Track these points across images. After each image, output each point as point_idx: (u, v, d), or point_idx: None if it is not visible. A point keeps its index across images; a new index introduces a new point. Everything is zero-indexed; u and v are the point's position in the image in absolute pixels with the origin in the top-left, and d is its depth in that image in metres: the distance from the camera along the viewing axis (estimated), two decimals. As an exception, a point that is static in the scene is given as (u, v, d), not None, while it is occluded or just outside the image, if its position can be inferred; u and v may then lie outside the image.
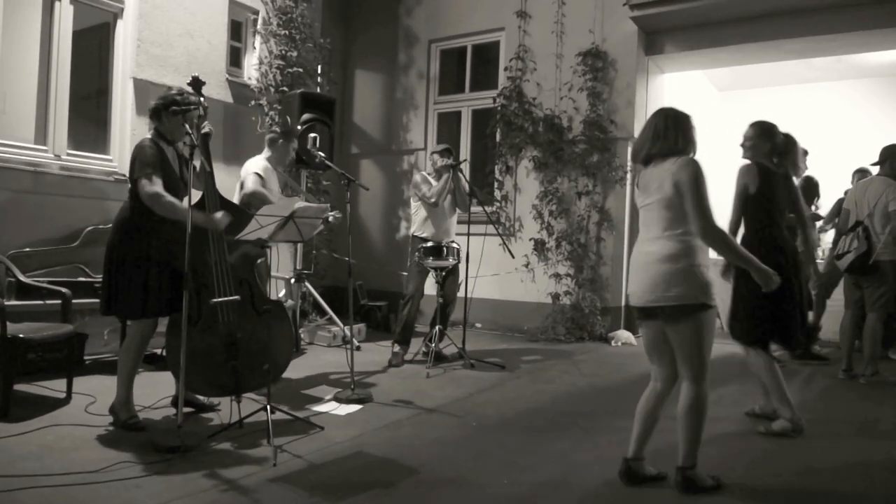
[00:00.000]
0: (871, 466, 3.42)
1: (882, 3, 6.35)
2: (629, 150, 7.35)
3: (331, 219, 5.06)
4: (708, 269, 2.91)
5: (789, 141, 4.27)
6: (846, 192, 6.00)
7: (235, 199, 4.82)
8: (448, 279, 5.81)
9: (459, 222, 6.10)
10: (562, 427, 4.02)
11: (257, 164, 5.11)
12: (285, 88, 7.28)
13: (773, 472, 3.30)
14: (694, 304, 2.86)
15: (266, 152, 5.28)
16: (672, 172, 2.90)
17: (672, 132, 2.98)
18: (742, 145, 4.09)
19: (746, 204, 4.05)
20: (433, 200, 5.76)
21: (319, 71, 8.15)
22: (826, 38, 6.83)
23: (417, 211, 5.95)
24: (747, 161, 4.08)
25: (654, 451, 3.14)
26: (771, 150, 4.03)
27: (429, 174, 6.03)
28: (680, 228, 2.90)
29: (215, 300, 3.68)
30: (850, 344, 5.52)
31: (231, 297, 3.74)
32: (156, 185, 3.57)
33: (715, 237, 2.88)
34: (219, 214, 3.67)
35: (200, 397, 4.09)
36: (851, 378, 5.38)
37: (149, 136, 3.76)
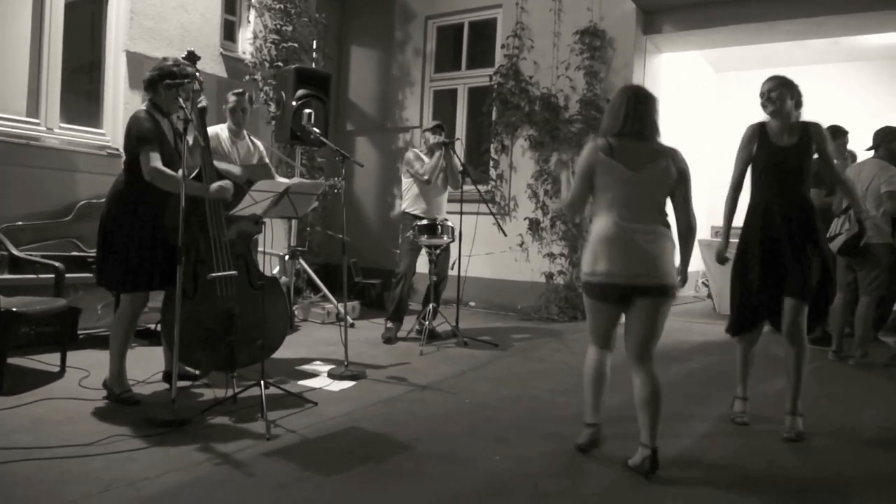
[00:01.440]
0: (860, 444, 3.46)
1: (879, -15, 6.34)
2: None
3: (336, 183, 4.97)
4: None
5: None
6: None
7: None
8: (440, 256, 5.82)
9: (453, 200, 6.10)
10: (553, 405, 4.05)
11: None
12: (280, 63, 7.22)
13: (754, 450, 3.34)
14: (675, 283, 3.01)
15: (227, 121, 5.18)
16: (675, 160, 3.01)
17: (652, 113, 3.07)
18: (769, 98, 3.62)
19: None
20: (426, 178, 5.75)
21: (315, 46, 8.07)
22: (822, 19, 6.80)
23: (409, 188, 5.94)
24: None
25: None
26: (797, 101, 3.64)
27: (421, 151, 6.02)
28: (665, 211, 3.04)
29: (213, 275, 3.68)
30: (842, 326, 5.55)
31: (229, 272, 3.74)
32: (155, 161, 3.55)
33: (696, 228, 3.11)
34: (218, 184, 3.67)
35: (190, 369, 4.09)
36: (841, 360, 5.42)
37: (143, 107, 3.73)
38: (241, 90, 5.22)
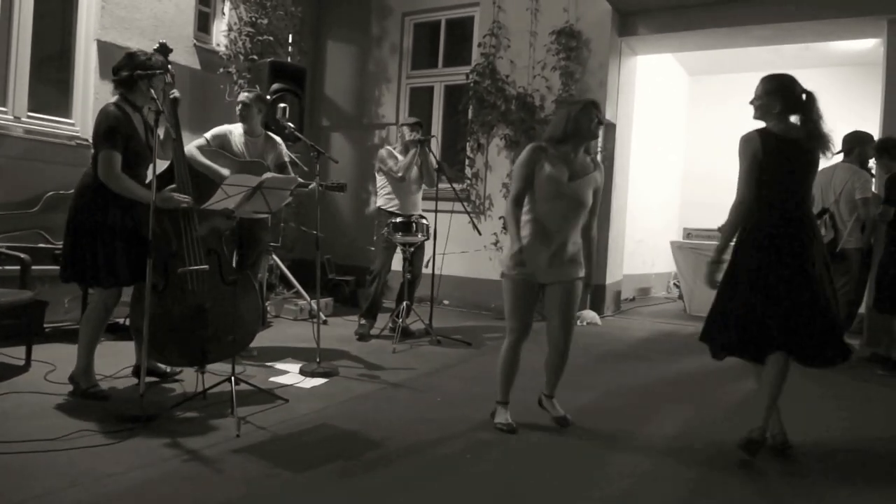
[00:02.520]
0: (824, 443, 3.53)
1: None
2: (600, 131, 7.40)
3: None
4: (524, 243, 3.38)
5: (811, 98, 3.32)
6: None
7: None
8: (415, 254, 5.82)
9: (428, 198, 6.09)
10: (525, 403, 4.05)
11: (217, 128, 4.96)
12: (255, 57, 7.16)
13: (723, 448, 3.38)
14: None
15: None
16: None
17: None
18: (751, 103, 3.39)
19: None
20: (400, 175, 5.74)
21: (290, 40, 8.02)
22: (794, 25, 6.91)
23: (384, 185, 5.92)
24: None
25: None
26: (784, 110, 3.27)
27: (395, 148, 5.99)
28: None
29: (184, 269, 3.64)
30: None
31: (200, 266, 3.70)
32: (114, 164, 3.48)
33: (506, 212, 3.51)
34: (165, 194, 3.59)
35: (161, 365, 4.05)
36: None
37: (114, 100, 3.67)
38: (253, 89, 5.15)
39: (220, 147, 4.81)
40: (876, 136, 6.01)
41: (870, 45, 8.43)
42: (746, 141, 3.25)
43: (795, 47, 8.34)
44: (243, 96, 4.95)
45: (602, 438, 3.48)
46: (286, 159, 5.08)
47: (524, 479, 2.92)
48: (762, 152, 3.19)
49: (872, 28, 6.96)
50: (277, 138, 5.13)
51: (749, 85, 3.56)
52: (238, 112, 4.93)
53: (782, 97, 3.27)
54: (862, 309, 6.17)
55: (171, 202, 3.59)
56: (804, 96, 3.29)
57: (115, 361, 4.19)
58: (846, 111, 8.61)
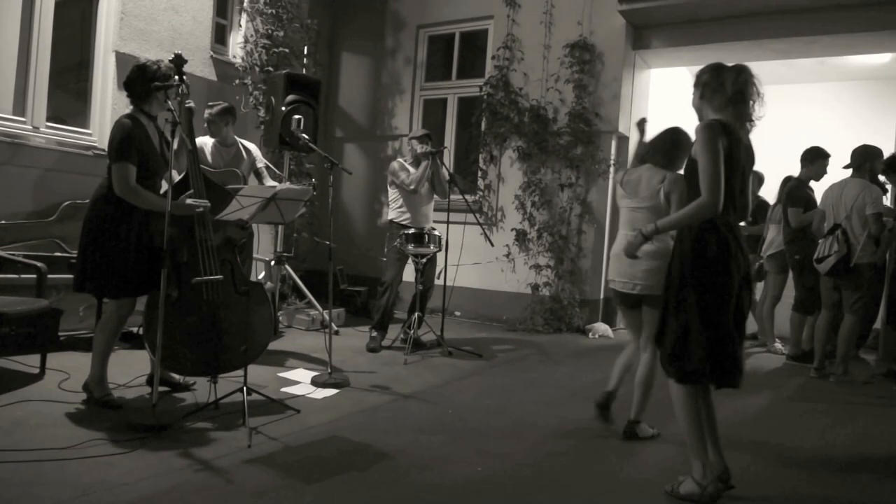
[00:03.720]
0: (835, 462, 3.49)
1: (866, 7, 6.42)
2: (613, 144, 7.41)
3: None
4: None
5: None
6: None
7: None
8: (427, 266, 5.82)
9: (440, 210, 6.10)
10: (536, 416, 4.05)
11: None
12: (270, 68, 7.21)
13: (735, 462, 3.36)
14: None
15: None
16: (666, 184, 3.50)
17: (671, 150, 3.61)
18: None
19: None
20: (412, 188, 5.76)
21: (305, 52, 8.08)
22: (809, 39, 6.90)
23: (396, 198, 5.94)
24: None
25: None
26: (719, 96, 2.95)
27: (406, 160, 6.01)
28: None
29: (198, 279, 3.66)
30: (825, 344, 5.57)
31: (214, 277, 3.72)
32: (130, 176, 3.52)
33: None
34: (189, 201, 3.63)
35: (175, 376, 4.07)
36: (823, 377, 5.46)
37: (129, 111, 3.70)
38: (217, 103, 5.21)
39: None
40: (892, 150, 5.97)
41: (886, 60, 8.39)
42: (709, 127, 2.82)
43: (810, 61, 8.30)
44: (207, 113, 5.12)
45: (614, 452, 3.45)
46: (260, 165, 5.23)
47: (536, 493, 2.91)
48: (725, 142, 2.80)
49: (888, 43, 6.93)
50: (251, 146, 5.28)
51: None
52: (206, 127, 5.10)
53: (698, 81, 3.00)
54: (876, 325, 6.12)
55: (187, 209, 3.62)
56: (736, 74, 2.91)
57: (129, 370, 4.22)
58: (861, 126, 8.57)
